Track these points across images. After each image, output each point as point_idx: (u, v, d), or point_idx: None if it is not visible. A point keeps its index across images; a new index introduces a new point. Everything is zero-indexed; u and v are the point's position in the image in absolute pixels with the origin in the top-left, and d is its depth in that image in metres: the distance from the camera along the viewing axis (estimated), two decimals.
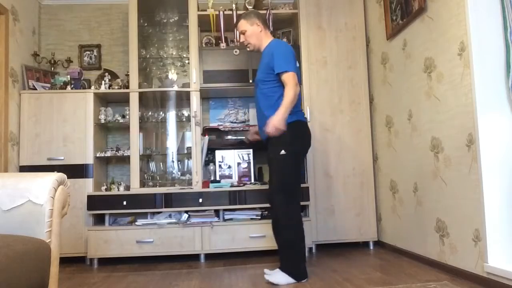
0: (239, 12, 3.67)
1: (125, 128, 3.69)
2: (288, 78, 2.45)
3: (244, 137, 3.12)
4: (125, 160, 3.74)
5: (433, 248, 2.71)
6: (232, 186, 3.38)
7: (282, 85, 2.50)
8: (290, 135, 2.46)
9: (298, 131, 2.53)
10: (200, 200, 3.27)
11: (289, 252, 2.45)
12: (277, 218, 2.53)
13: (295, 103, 2.48)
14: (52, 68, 3.83)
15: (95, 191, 3.39)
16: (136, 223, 3.29)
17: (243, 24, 2.67)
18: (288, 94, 2.42)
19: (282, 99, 2.45)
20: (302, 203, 3.36)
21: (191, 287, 2.47)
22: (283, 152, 2.46)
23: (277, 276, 2.43)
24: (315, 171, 3.49)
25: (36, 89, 3.49)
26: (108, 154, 3.56)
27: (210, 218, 3.31)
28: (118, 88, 3.60)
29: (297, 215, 2.51)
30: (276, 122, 2.38)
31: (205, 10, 3.67)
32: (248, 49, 2.76)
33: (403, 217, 3.14)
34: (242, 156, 3.70)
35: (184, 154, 3.73)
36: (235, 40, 3.70)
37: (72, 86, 3.57)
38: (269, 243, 3.25)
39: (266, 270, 2.51)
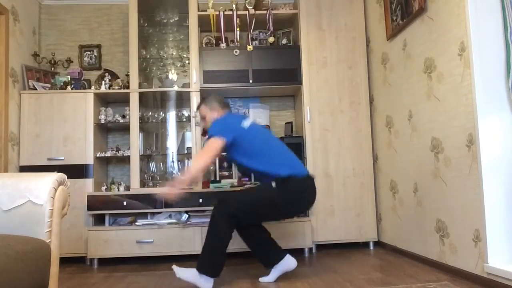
0: (239, 12, 3.67)
1: (125, 128, 3.69)
2: (207, 144, 2.44)
3: None
4: (125, 160, 3.75)
5: (433, 248, 2.71)
6: (232, 186, 3.38)
7: (239, 153, 2.49)
8: (283, 185, 2.42)
9: (291, 186, 2.44)
10: (200, 200, 3.27)
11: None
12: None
13: (277, 157, 2.49)
14: (52, 68, 3.83)
15: (95, 191, 3.39)
16: (136, 223, 3.29)
17: (203, 110, 2.71)
18: (194, 160, 2.41)
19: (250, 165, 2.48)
20: None
21: (191, 287, 2.47)
22: (274, 184, 2.43)
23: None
24: (315, 171, 3.49)
25: (36, 89, 3.49)
26: (108, 154, 3.56)
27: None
28: (118, 88, 3.60)
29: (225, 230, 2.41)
30: (171, 187, 2.34)
31: (205, 10, 3.67)
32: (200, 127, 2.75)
33: (403, 217, 3.14)
34: None
35: (184, 154, 3.73)
36: (235, 40, 3.70)
37: (72, 86, 3.57)
38: None
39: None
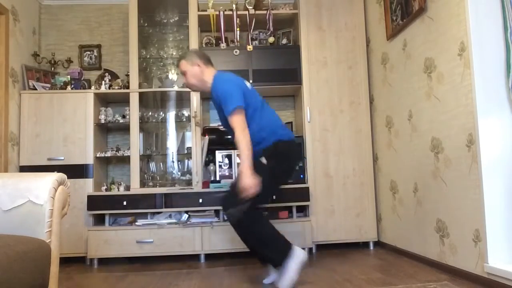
0: (239, 12, 3.68)
1: (125, 128, 3.69)
2: (234, 122, 2.32)
3: None
4: (125, 160, 3.75)
5: (433, 249, 2.71)
6: None
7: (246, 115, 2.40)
8: (272, 153, 2.39)
9: (279, 150, 2.43)
10: (200, 200, 3.27)
11: (270, 247, 2.35)
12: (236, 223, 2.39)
13: (269, 124, 2.43)
14: (52, 68, 3.83)
15: (95, 191, 3.39)
16: (136, 223, 3.29)
17: (183, 65, 2.54)
18: (239, 144, 2.29)
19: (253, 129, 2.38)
20: (302, 203, 3.39)
21: (191, 287, 2.47)
22: (263, 159, 2.39)
23: (281, 278, 2.32)
24: (315, 171, 3.49)
25: (36, 89, 3.49)
26: (108, 154, 3.56)
27: (210, 218, 3.31)
28: (118, 88, 3.60)
29: (255, 214, 2.36)
30: (247, 182, 2.24)
31: (205, 10, 3.67)
32: (192, 91, 2.62)
33: (403, 217, 3.14)
34: None
35: (184, 154, 3.73)
36: (235, 40, 3.70)
37: (72, 86, 3.57)
38: None
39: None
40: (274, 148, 2.42)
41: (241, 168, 2.27)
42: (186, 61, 2.53)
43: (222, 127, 3.76)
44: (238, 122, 2.32)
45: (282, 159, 2.46)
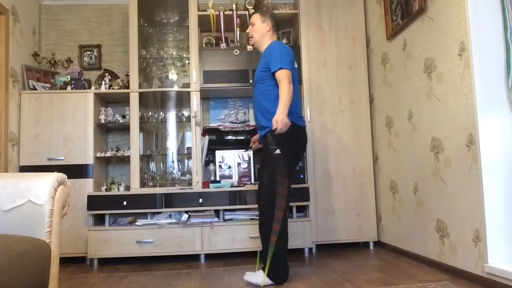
0: (239, 12, 3.68)
1: (125, 128, 3.69)
2: (281, 75, 2.46)
3: (248, 148, 3.12)
4: (125, 160, 3.75)
5: (433, 249, 2.71)
6: (232, 186, 3.39)
7: (277, 85, 2.51)
8: (284, 136, 2.44)
9: (291, 133, 2.48)
10: (200, 200, 3.27)
11: (273, 253, 2.42)
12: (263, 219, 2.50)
13: (292, 105, 2.48)
14: (52, 68, 3.83)
15: (95, 191, 3.39)
16: (136, 223, 3.29)
17: (255, 17, 2.71)
18: (282, 92, 2.43)
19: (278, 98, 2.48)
20: (302, 203, 3.39)
21: (191, 287, 2.47)
22: (278, 151, 2.46)
23: (257, 276, 2.43)
24: (315, 171, 3.49)
25: (36, 89, 3.49)
26: (108, 154, 3.56)
27: (210, 218, 3.31)
28: (118, 88, 3.60)
29: (284, 215, 2.45)
30: (282, 118, 2.38)
31: (205, 10, 3.67)
32: (250, 43, 2.79)
33: (403, 217, 3.14)
34: (242, 157, 3.70)
35: (184, 154, 3.73)
36: (235, 40, 3.70)
37: (72, 86, 3.57)
38: None
39: (247, 273, 2.52)
40: (299, 132, 2.56)
41: (278, 111, 2.39)
42: (260, 15, 2.70)
43: (222, 126, 3.80)
44: (285, 76, 2.45)
45: (299, 143, 2.59)
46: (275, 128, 2.39)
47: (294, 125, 2.48)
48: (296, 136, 2.55)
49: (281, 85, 2.45)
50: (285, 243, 2.48)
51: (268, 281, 2.41)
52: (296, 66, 2.67)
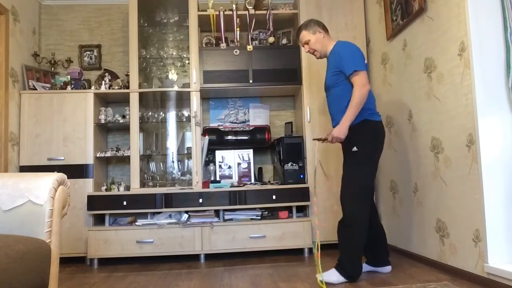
0: (239, 12, 3.67)
1: (125, 128, 3.69)
2: (356, 78, 2.42)
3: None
4: (125, 160, 3.75)
5: (433, 249, 2.71)
6: (232, 186, 3.39)
7: (352, 86, 2.47)
8: (362, 134, 2.45)
9: (369, 131, 2.48)
10: (200, 200, 3.27)
11: (345, 251, 2.46)
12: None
13: (364, 103, 2.44)
14: (52, 68, 3.83)
15: (95, 191, 3.39)
16: (136, 223, 3.29)
17: (306, 35, 2.67)
18: (353, 95, 2.40)
19: None
20: (302, 203, 3.38)
21: (191, 287, 2.47)
22: (355, 149, 2.46)
23: (331, 275, 2.43)
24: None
25: (36, 89, 3.49)
26: (108, 154, 3.56)
27: (210, 218, 3.31)
28: (118, 88, 3.60)
29: (362, 213, 2.44)
30: (338, 132, 2.39)
31: (205, 10, 3.67)
32: (316, 57, 2.75)
33: (403, 217, 3.14)
34: (242, 156, 3.70)
35: (184, 154, 3.73)
36: (235, 40, 3.70)
37: (72, 86, 3.57)
38: (269, 243, 3.25)
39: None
40: (377, 127, 2.53)
41: (342, 121, 2.40)
42: (307, 31, 2.67)
43: (222, 126, 3.79)
44: (361, 79, 2.41)
45: (378, 137, 2.55)
46: (325, 138, 2.42)
47: (369, 122, 2.48)
48: (374, 133, 2.51)
49: (354, 88, 2.41)
50: (361, 240, 2.46)
51: (339, 278, 2.42)
52: (366, 61, 2.63)
